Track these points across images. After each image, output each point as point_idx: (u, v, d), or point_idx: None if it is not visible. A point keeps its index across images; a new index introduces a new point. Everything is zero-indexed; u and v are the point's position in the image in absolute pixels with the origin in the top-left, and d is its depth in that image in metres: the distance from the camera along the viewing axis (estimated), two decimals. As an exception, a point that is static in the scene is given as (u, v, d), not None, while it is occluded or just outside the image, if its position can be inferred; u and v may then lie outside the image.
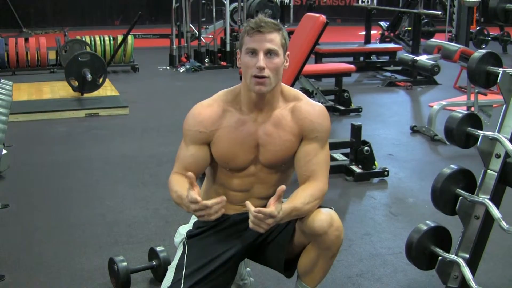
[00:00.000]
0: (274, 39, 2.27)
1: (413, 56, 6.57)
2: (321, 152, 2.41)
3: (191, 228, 2.53)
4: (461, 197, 2.62)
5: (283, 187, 2.16)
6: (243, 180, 2.44)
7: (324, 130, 2.41)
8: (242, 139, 2.39)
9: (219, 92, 2.47)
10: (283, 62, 2.32)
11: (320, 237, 2.30)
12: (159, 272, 3.04)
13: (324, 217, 2.30)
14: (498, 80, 2.59)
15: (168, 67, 10.43)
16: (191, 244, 2.46)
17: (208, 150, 2.42)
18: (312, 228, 2.29)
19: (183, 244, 2.48)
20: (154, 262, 3.10)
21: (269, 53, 2.26)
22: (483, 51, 2.75)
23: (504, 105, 2.60)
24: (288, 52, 2.36)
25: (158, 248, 3.10)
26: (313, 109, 2.42)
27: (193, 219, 2.58)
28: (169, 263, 2.71)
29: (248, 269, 2.90)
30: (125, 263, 2.98)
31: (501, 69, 2.60)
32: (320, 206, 2.35)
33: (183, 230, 2.54)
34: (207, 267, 2.34)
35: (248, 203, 2.15)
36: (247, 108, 2.39)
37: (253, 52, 2.27)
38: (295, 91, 2.48)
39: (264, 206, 2.35)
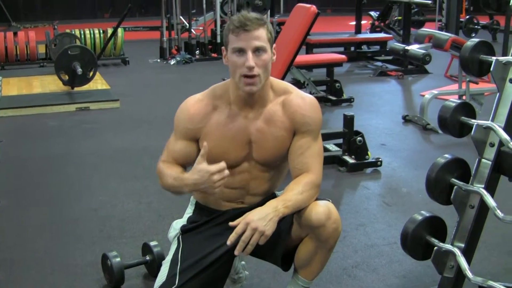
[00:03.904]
0: (261, 36, 2.23)
1: (404, 45, 6.56)
2: (314, 144, 2.39)
3: (185, 223, 2.51)
4: (456, 187, 2.61)
5: None
6: (237, 177, 2.41)
7: (316, 122, 2.39)
8: (233, 136, 2.36)
9: (212, 86, 2.45)
10: (271, 57, 2.28)
11: (318, 229, 2.28)
12: (153, 267, 3.02)
13: (322, 209, 2.28)
14: (491, 69, 2.57)
15: (158, 60, 10.39)
16: (186, 239, 2.44)
17: (196, 146, 2.40)
18: (309, 221, 2.28)
19: (178, 238, 2.47)
20: (148, 257, 3.08)
21: (257, 50, 2.22)
22: (476, 39, 2.72)
23: (498, 93, 2.59)
24: (274, 45, 2.33)
25: (152, 243, 3.08)
26: (304, 102, 2.39)
27: (187, 214, 2.56)
28: (163, 258, 2.69)
29: (243, 262, 2.89)
30: (118, 259, 2.96)
31: (494, 58, 2.58)
32: (317, 199, 2.34)
33: (177, 224, 2.52)
34: (202, 262, 2.32)
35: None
36: (237, 106, 2.36)
37: (240, 51, 2.23)
38: (284, 84, 2.45)
39: (259, 202, 2.36)
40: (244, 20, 2.22)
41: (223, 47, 2.34)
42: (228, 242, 2.17)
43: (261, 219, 2.16)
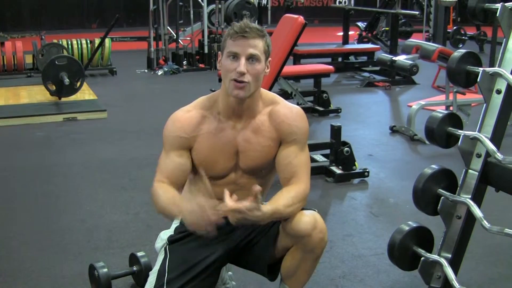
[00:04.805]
0: (258, 45, 2.26)
1: (392, 56, 6.59)
2: (301, 154, 2.40)
3: (173, 233, 2.50)
4: (442, 197, 2.62)
5: (257, 187, 2.11)
6: (223, 188, 2.41)
7: (302, 132, 2.41)
8: (222, 146, 2.37)
9: (199, 98, 2.46)
10: (264, 69, 2.31)
11: (304, 239, 2.29)
12: (140, 278, 3.01)
13: (308, 219, 2.29)
14: (478, 80, 2.59)
15: (146, 70, 10.37)
16: (173, 249, 2.43)
17: (189, 155, 2.39)
18: (296, 230, 2.28)
19: (165, 249, 2.46)
20: (135, 268, 3.06)
21: (251, 58, 2.25)
22: (463, 50, 2.74)
23: (484, 104, 2.61)
24: (269, 59, 2.35)
25: (139, 254, 3.07)
26: (291, 112, 2.41)
27: (175, 224, 2.55)
28: (150, 269, 2.68)
29: (230, 273, 2.88)
30: (105, 269, 2.95)
31: (481, 69, 2.60)
32: (303, 208, 2.34)
33: (165, 235, 2.52)
34: (189, 273, 2.32)
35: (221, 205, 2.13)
36: (225, 115, 2.37)
37: (235, 56, 2.25)
38: (272, 95, 2.47)
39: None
40: (244, 27, 2.26)
41: (219, 52, 2.36)
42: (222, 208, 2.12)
43: (255, 218, 2.15)
